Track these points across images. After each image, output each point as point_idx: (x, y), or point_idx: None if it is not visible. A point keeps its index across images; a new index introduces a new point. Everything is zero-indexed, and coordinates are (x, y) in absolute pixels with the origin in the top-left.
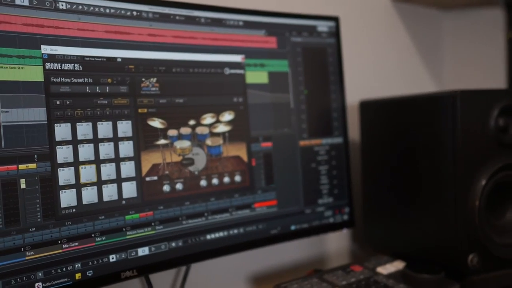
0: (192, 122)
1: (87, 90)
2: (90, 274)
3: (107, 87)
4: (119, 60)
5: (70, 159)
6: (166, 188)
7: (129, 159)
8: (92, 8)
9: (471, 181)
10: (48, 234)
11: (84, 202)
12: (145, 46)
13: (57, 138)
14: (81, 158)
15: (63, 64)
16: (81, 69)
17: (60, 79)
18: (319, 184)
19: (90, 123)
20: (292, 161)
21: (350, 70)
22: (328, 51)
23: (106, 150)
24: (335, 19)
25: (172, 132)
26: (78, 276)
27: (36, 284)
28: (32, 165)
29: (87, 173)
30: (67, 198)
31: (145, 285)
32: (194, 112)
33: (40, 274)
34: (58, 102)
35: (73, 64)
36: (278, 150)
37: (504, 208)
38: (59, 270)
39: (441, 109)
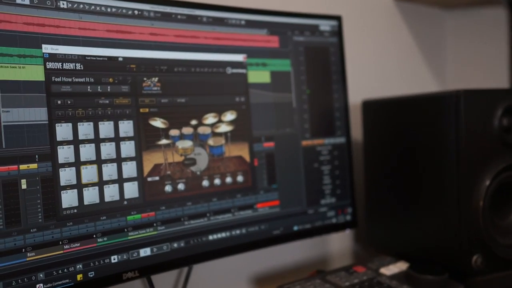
0: (194, 122)
1: (89, 89)
2: (91, 275)
3: (109, 87)
4: (120, 59)
5: (72, 159)
6: (168, 188)
7: (131, 159)
8: (93, 7)
9: (474, 181)
10: (49, 234)
11: (86, 202)
12: (146, 45)
13: (58, 138)
14: (82, 158)
15: (64, 64)
16: (82, 68)
17: (61, 79)
18: (321, 184)
19: (92, 123)
20: (294, 161)
21: (352, 69)
22: (331, 50)
23: (107, 150)
24: (338, 18)
25: (174, 132)
26: (79, 277)
27: (37, 285)
28: (33, 165)
29: (89, 173)
30: (68, 199)
31: (147, 286)
32: (196, 111)
33: (41, 275)
34: (59, 102)
35: (74, 64)
36: (281, 150)
37: (508, 208)
38: (60, 271)
39: (445, 109)
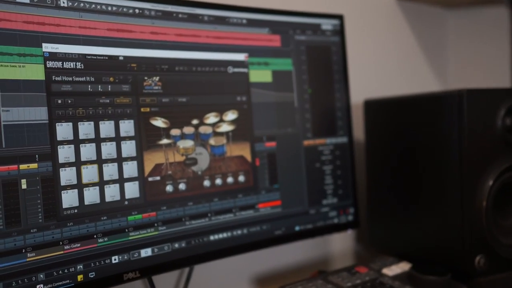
0: (195, 122)
1: (89, 89)
2: (92, 276)
3: (109, 86)
4: (121, 58)
5: (72, 159)
6: (169, 188)
7: (132, 159)
8: (93, 5)
9: (477, 182)
10: (49, 235)
11: (86, 202)
12: (147, 44)
13: (59, 138)
14: (83, 158)
15: (64, 63)
16: (82, 67)
17: (62, 78)
18: (323, 184)
19: (92, 123)
20: (296, 161)
21: (354, 69)
22: (333, 49)
23: (108, 149)
24: (340, 17)
25: (175, 132)
26: (80, 277)
27: (38, 286)
28: (33, 165)
29: (89, 173)
30: (68, 199)
31: (148, 286)
32: (197, 111)
33: (41, 275)
34: (59, 101)
35: (74, 63)
36: (282, 150)
37: (511, 208)
38: (60, 272)
39: (447, 108)
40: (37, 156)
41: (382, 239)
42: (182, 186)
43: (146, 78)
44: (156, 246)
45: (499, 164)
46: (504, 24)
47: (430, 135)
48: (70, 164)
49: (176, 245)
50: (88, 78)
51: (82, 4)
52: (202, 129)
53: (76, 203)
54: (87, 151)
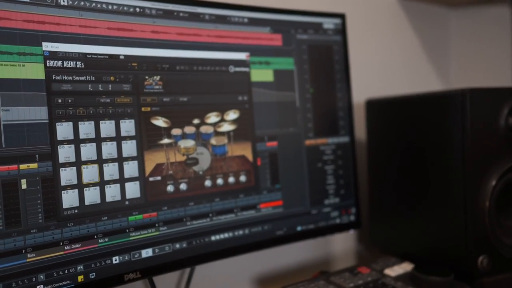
0: (196, 121)
1: (89, 88)
2: (92, 277)
3: (110, 85)
4: (122, 57)
5: (72, 158)
6: (170, 188)
7: (132, 158)
8: (94, 4)
9: (480, 181)
10: (49, 235)
11: (87, 202)
12: (148, 43)
13: (59, 137)
14: (83, 158)
15: (64, 62)
16: (83, 66)
17: (62, 77)
18: (325, 184)
19: (93, 122)
20: (297, 161)
21: (356, 68)
22: (334, 48)
23: (108, 149)
24: (342, 16)
25: (176, 131)
26: (80, 278)
27: (38, 287)
28: (33, 165)
29: (90, 173)
30: (69, 199)
31: (148, 287)
32: (198, 110)
33: (41, 276)
34: (59, 101)
35: (75, 62)
36: (284, 150)
37: None
38: (61, 273)
39: (450, 108)
40: (37, 156)
41: (384, 239)
42: (183, 186)
43: (147, 77)
44: (157, 247)
45: (502, 164)
46: (506, 24)
47: (433, 135)
48: (70, 164)
49: (177, 246)
50: (89, 77)
51: (82, 3)
52: (203, 129)
53: (76, 203)
54: (88, 151)
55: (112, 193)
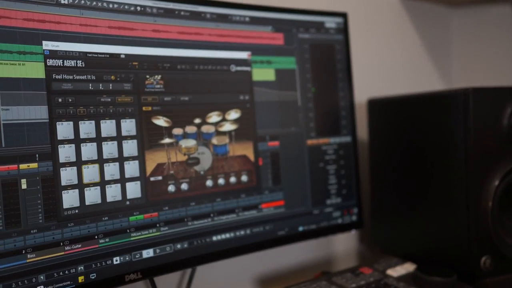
0: (197, 121)
1: (90, 87)
2: (93, 277)
3: (111, 84)
4: (122, 56)
5: (73, 158)
6: (171, 188)
7: (133, 158)
8: (95, 3)
9: (483, 181)
10: (50, 236)
11: (87, 202)
12: (149, 42)
13: (59, 137)
14: (83, 158)
15: (65, 61)
16: (83, 65)
17: (62, 76)
18: (327, 184)
19: (93, 122)
20: (299, 161)
21: (358, 67)
22: (336, 47)
23: (109, 149)
24: (343, 15)
25: (177, 131)
26: (81, 279)
27: (38, 287)
28: (33, 165)
29: (90, 173)
30: (69, 199)
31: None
32: (199, 110)
33: (42, 277)
34: (60, 100)
35: (75, 61)
36: (286, 149)
37: None
38: (61, 273)
39: (453, 107)
40: (37, 155)
41: (386, 240)
42: (184, 186)
43: (148, 76)
44: (158, 247)
45: (505, 164)
46: (508, 23)
47: (435, 134)
48: (70, 164)
49: (178, 246)
50: (89, 76)
51: (83, 2)
52: (205, 128)
53: (77, 203)
54: (88, 151)
55: (113, 193)
